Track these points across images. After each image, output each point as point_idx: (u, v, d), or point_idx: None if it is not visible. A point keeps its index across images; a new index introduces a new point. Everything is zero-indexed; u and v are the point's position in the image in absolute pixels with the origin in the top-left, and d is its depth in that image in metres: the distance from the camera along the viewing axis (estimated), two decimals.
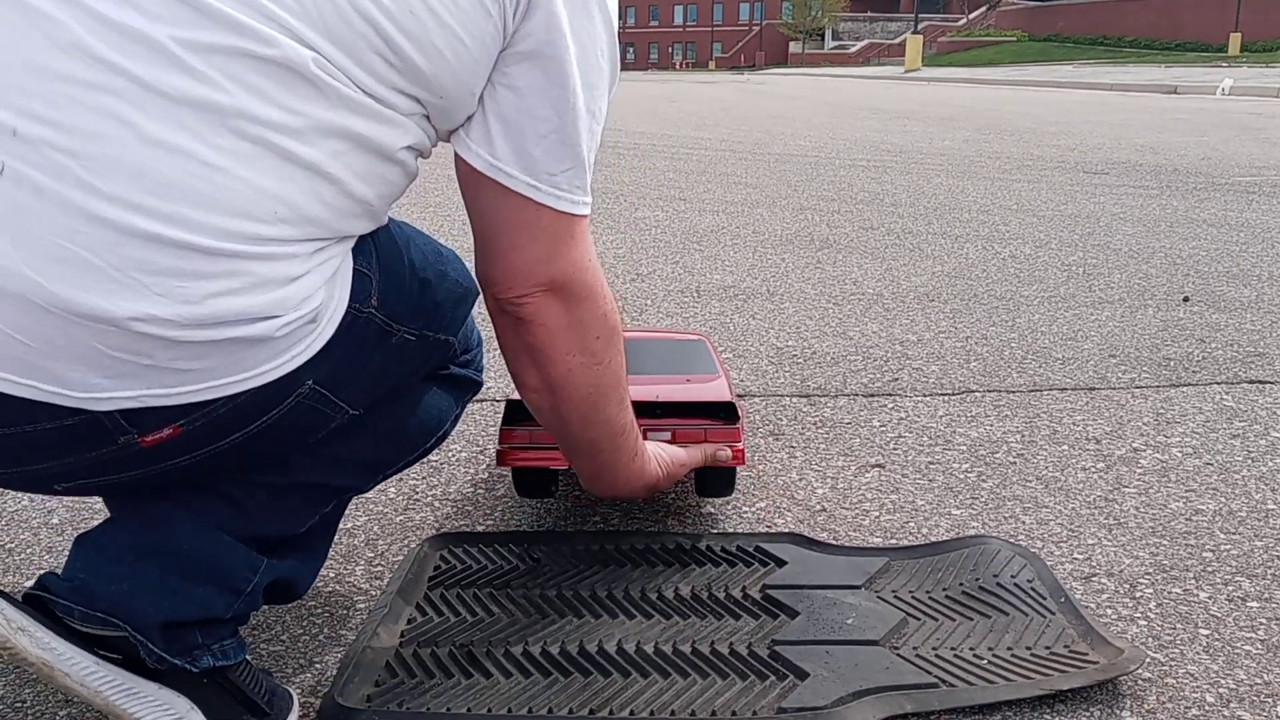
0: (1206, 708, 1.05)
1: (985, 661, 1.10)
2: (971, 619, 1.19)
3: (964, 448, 1.76)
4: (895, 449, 1.76)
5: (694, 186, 5.27)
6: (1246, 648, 1.16)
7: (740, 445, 1.38)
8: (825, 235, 3.87)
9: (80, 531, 0.95)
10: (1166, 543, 1.42)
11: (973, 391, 2.07)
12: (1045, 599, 1.23)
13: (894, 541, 1.42)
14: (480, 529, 1.45)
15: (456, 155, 0.95)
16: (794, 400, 2.01)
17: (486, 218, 0.97)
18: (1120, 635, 1.18)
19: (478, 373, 1.16)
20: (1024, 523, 1.48)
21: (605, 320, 1.04)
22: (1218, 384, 2.12)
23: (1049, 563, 1.35)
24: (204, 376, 0.81)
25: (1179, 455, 1.74)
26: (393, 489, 1.57)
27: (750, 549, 1.34)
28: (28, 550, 1.37)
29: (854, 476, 1.64)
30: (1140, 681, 1.10)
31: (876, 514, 1.51)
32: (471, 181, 0.95)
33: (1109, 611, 1.24)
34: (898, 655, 1.11)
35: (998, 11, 65.07)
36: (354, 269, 0.89)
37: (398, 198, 0.92)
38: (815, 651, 1.11)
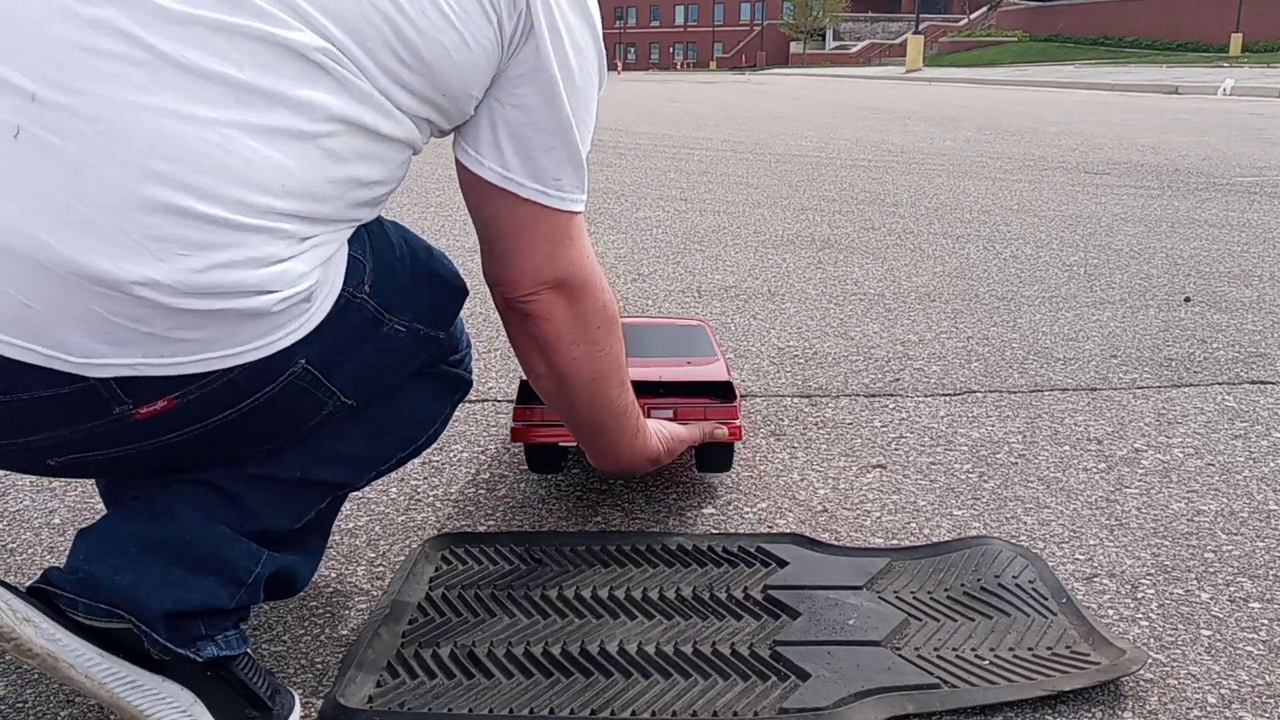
0: (1208, 709, 1.05)
1: (987, 662, 1.10)
2: (973, 620, 1.19)
3: (965, 448, 1.76)
4: (897, 449, 1.76)
5: (695, 187, 5.27)
6: (1248, 649, 1.16)
7: (737, 422, 1.48)
8: (826, 235, 3.87)
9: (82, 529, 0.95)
10: (1168, 543, 1.42)
11: (974, 392, 2.07)
12: (1047, 600, 1.23)
13: (895, 542, 1.41)
14: (481, 529, 1.45)
15: (465, 169, 1.03)
16: (795, 400, 2.01)
17: (494, 224, 1.05)
18: (1122, 636, 1.18)
19: (468, 372, 1.20)
20: (1025, 523, 1.48)
21: (605, 310, 1.13)
22: (1219, 384, 2.12)
23: (1050, 563, 1.35)
24: (200, 347, 0.82)
25: (1180, 456, 1.73)
26: (394, 489, 1.57)
27: (752, 549, 1.34)
28: (29, 550, 1.37)
29: (855, 477, 1.64)
30: (1142, 682, 1.10)
31: (878, 514, 1.51)
32: (481, 192, 1.03)
33: (1110, 612, 1.24)
34: (899, 656, 1.11)
35: (999, 12, 65.06)
36: (349, 255, 0.93)
37: (392, 191, 0.96)
38: (817, 652, 1.11)
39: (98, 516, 0.98)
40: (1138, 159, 6.64)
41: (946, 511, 1.52)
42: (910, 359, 2.29)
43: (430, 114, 0.94)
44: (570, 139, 1.02)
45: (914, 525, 1.47)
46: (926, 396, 2.04)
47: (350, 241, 0.93)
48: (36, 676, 1.10)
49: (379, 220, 1.00)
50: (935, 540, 1.41)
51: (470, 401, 1.97)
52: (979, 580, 1.27)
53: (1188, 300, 2.86)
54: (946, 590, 1.25)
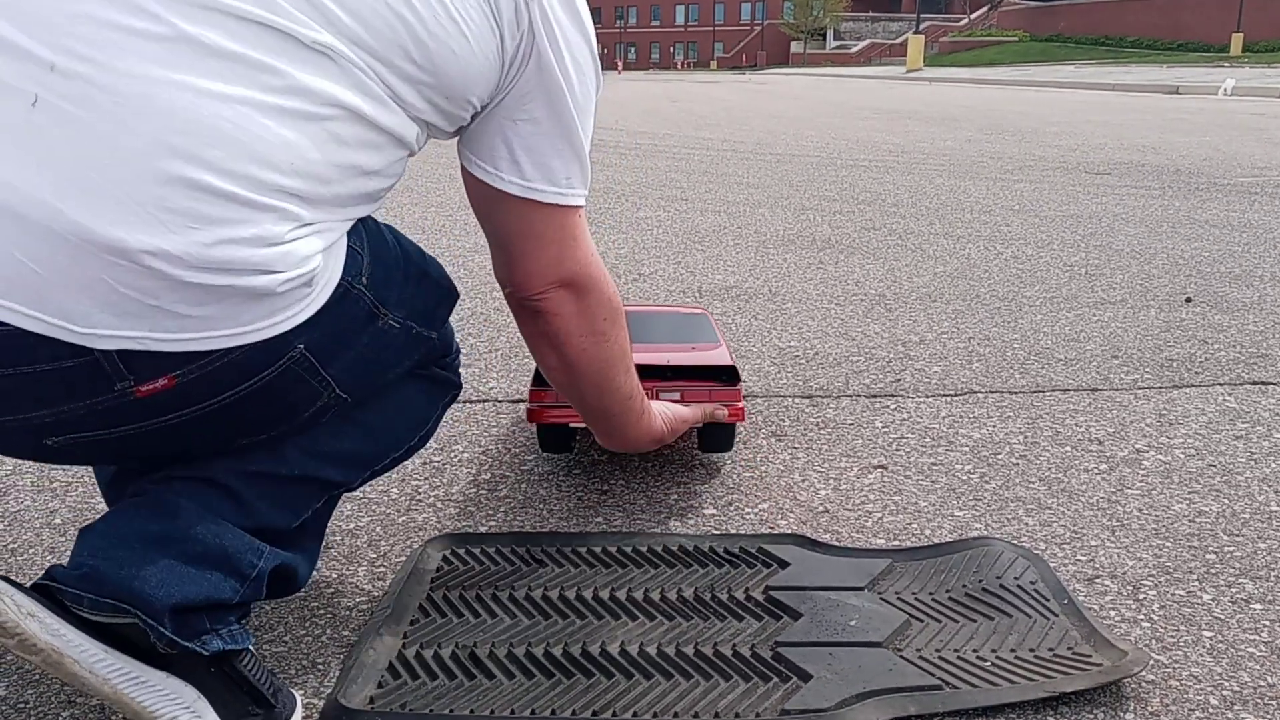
0: (1210, 710, 1.05)
1: (988, 663, 1.10)
2: (975, 621, 1.19)
3: (966, 449, 1.76)
4: (898, 450, 1.76)
5: (696, 186, 5.27)
6: (1250, 650, 1.16)
7: (740, 405, 1.56)
8: (827, 235, 3.87)
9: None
10: (1170, 544, 1.41)
11: (975, 392, 2.07)
12: (1048, 601, 1.22)
13: (897, 543, 1.41)
14: (483, 530, 1.45)
15: (482, 184, 1.09)
16: (796, 401, 2.01)
17: (507, 229, 1.12)
18: (1123, 637, 1.18)
19: (457, 376, 1.24)
20: (1027, 524, 1.48)
21: (609, 303, 1.20)
22: (1220, 385, 2.12)
23: (1052, 564, 1.34)
24: (203, 325, 0.84)
25: (1182, 457, 1.73)
26: (395, 489, 1.57)
27: (753, 550, 1.34)
28: (30, 550, 1.37)
29: (856, 477, 1.64)
30: (1144, 684, 1.09)
31: (879, 515, 1.50)
32: (497, 202, 1.10)
33: (1112, 613, 1.24)
34: (901, 657, 1.11)
35: (999, 11, 65.03)
36: (348, 246, 0.95)
37: (388, 189, 0.99)
38: (818, 653, 1.11)
39: (98, 516, 0.98)
40: (1139, 159, 6.64)
41: (948, 512, 1.51)
42: (911, 359, 2.29)
43: (430, 115, 0.98)
44: (576, 141, 1.09)
45: (915, 526, 1.47)
46: (928, 397, 2.04)
47: (349, 234, 0.96)
48: (38, 677, 1.10)
49: (374, 220, 1.03)
50: (937, 541, 1.41)
51: (471, 401, 1.97)
52: (980, 581, 1.27)
53: (1189, 301, 2.86)
54: (948, 591, 1.25)
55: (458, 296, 1.16)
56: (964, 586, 1.26)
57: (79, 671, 0.85)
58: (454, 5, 0.94)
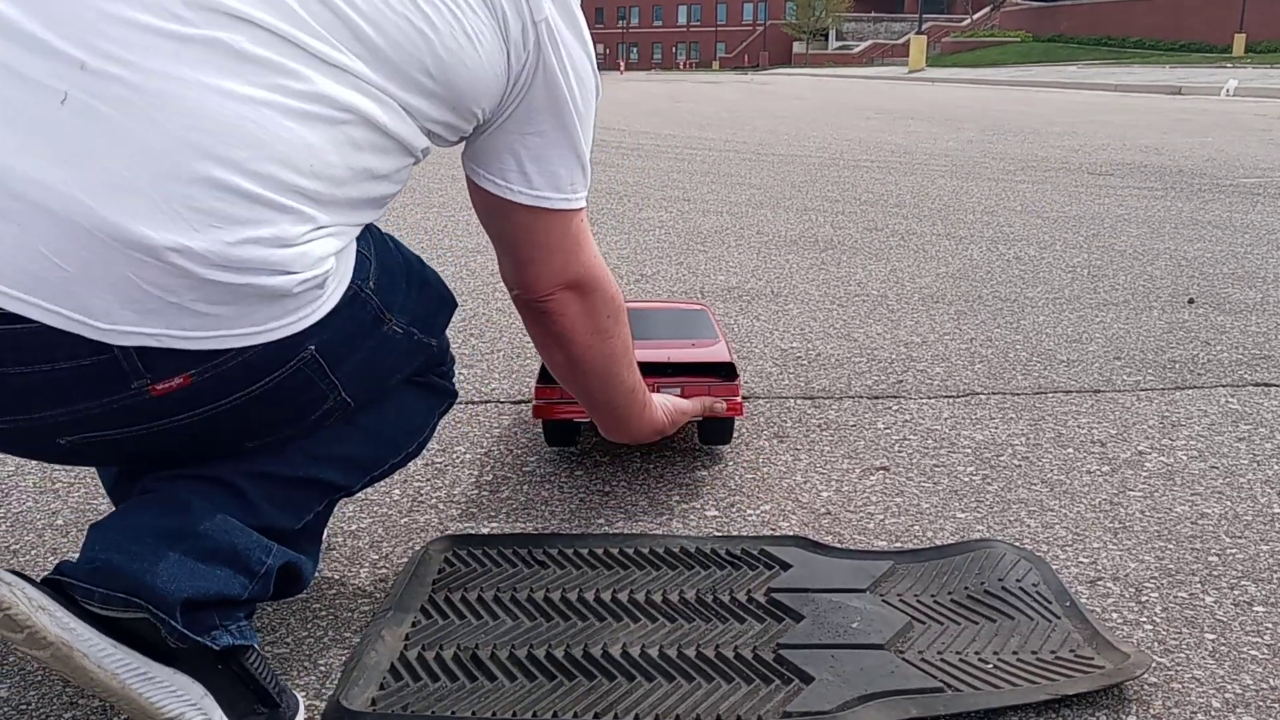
0: (1212, 713, 1.05)
1: (991, 666, 1.10)
2: (977, 623, 1.19)
3: (969, 450, 1.76)
4: (900, 451, 1.76)
5: (698, 187, 5.27)
6: (1252, 652, 1.16)
7: (738, 399, 1.61)
8: (829, 236, 3.87)
9: (85, 532, 0.95)
10: (1172, 546, 1.41)
11: (977, 394, 2.07)
12: (1050, 603, 1.22)
13: (899, 545, 1.41)
14: (485, 531, 1.45)
15: (490, 195, 1.13)
16: (798, 402, 2.01)
17: (513, 236, 1.16)
18: (1126, 640, 1.18)
19: (453, 385, 1.26)
20: (1029, 526, 1.47)
21: (613, 302, 1.25)
22: (1223, 386, 2.12)
23: (1054, 566, 1.34)
24: (220, 324, 0.86)
25: (1184, 458, 1.73)
26: (397, 491, 1.57)
27: (755, 552, 1.34)
28: (32, 552, 1.37)
29: (858, 479, 1.64)
30: (1146, 686, 1.09)
31: (881, 517, 1.50)
32: (506, 212, 1.13)
33: (1114, 616, 1.24)
34: (903, 659, 1.11)
35: (1002, 12, 64.99)
36: (357, 250, 0.98)
37: (393, 196, 1.01)
38: (820, 655, 1.11)
39: (100, 517, 0.98)
40: (1141, 160, 6.63)
41: (950, 514, 1.51)
42: (913, 361, 2.29)
43: (438, 126, 1.01)
44: (579, 148, 1.13)
45: (917, 528, 1.47)
46: (930, 398, 2.04)
47: (357, 239, 0.98)
48: (40, 678, 1.10)
49: (377, 228, 1.05)
50: (939, 543, 1.41)
51: (473, 403, 1.97)
52: (982, 583, 1.27)
53: (1191, 302, 2.85)
54: (950, 593, 1.25)
55: (455, 305, 1.19)
56: (966, 589, 1.26)
57: (87, 666, 0.85)
58: (468, 24, 0.97)
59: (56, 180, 0.79)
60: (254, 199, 0.84)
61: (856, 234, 3.92)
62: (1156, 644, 1.18)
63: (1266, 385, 2.13)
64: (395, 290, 1.04)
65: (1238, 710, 1.06)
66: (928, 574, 1.30)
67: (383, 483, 1.56)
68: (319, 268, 0.89)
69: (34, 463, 1.60)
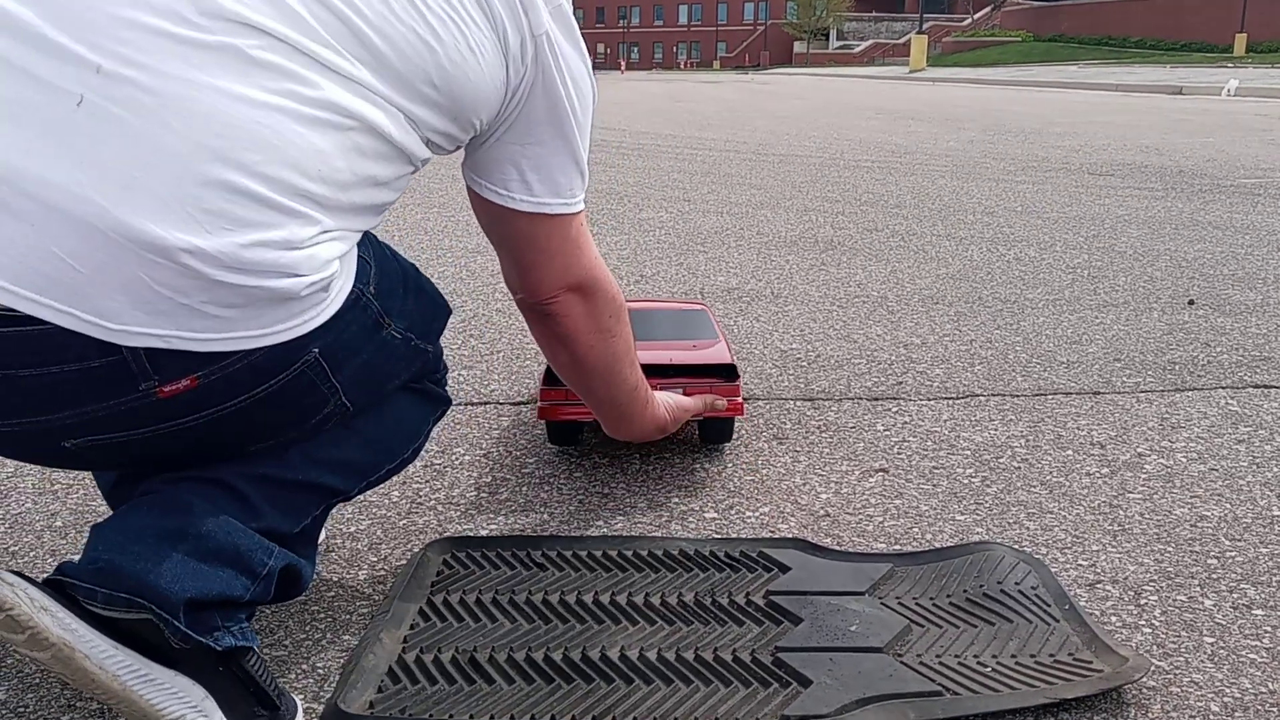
0: (1211, 717, 1.05)
1: (989, 669, 1.10)
2: (976, 626, 1.18)
3: (968, 452, 1.76)
4: (899, 453, 1.75)
5: (698, 187, 5.27)
6: (1251, 656, 1.16)
7: (739, 399, 1.64)
8: (829, 237, 3.87)
9: (83, 534, 0.95)
10: (1171, 549, 1.41)
11: (977, 395, 2.06)
12: (1049, 606, 1.22)
13: (898, 547, 1.41)
14: (484, 533, 1.45)
15: (491, 204, 1.15)
16: (798, 404, 2.01)
17: (516, 241, 1.19)
18: (1125, 643, 1.18)
19: (446, 391, 1.27)
20: (1028, 528, 1.47)
21: (614, 302, 1.28)
22: (1223, 388, 2.12)
23: (1053, 569, 1.34)
24: (228, 326, 0.87)
25: (1184, 460, 1.73)
26: (395, 492, 1.57)
27: (754, 554, 1.34)
28: (31, 553, 1.37)
29: (858, 481, 1.64)
30: (1145, 690, 1.09)
31: (880, 519, 1.50)
32: (508, 219, 1.16)
33: (1113, 619, 1.24)
34: (901, 663, 1.11)
35: (1002, 11, 64.96)
36: (358, 255, 0.99)
37: (394, 202, 1.02)
38: (818, 658, 1.11)
39: (100, 519, 0.98)
40: (1141, 160, 6.63)
41: (949, 516, 1.51)
42: (913, 362, 2.29)
43: (438, 136, 1.03)
44: (578, 154, 1.16)
45: (916, 530, 1.47)
46: (929, 400, 2.03)
47: (357, 245, 0.99)
48: (38, 680, 1.10)
49: (374, 235, 1.06)
50: (938, 545, 1.41)
51: (473, 404, 1.97)
52: (981, 586, 1.27)
53: (1191, 303, 2.85)
54: (949, 596, 1.25)
55: (450, 312, 1.21)
56: (965, 591, 1.26)
57: (89, 667, 0.85)
58: (471, 38, 0.99)
59: (71, 181, 0.80)
60: (264, 202, 0.85)
61: (857, 235, 3.92)
62: (1155, 647, 1.17)
63: (1266, 387, 2.13)
64: (394, 296, 1.05)
65: (1236, 714, 1.05)
66: (926, 576, 1.30)
67: (381, 484, 1.57)
68: (325, 270, 0.91)
69: (33, 465, 1.59)
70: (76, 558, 0.92)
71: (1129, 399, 2.05)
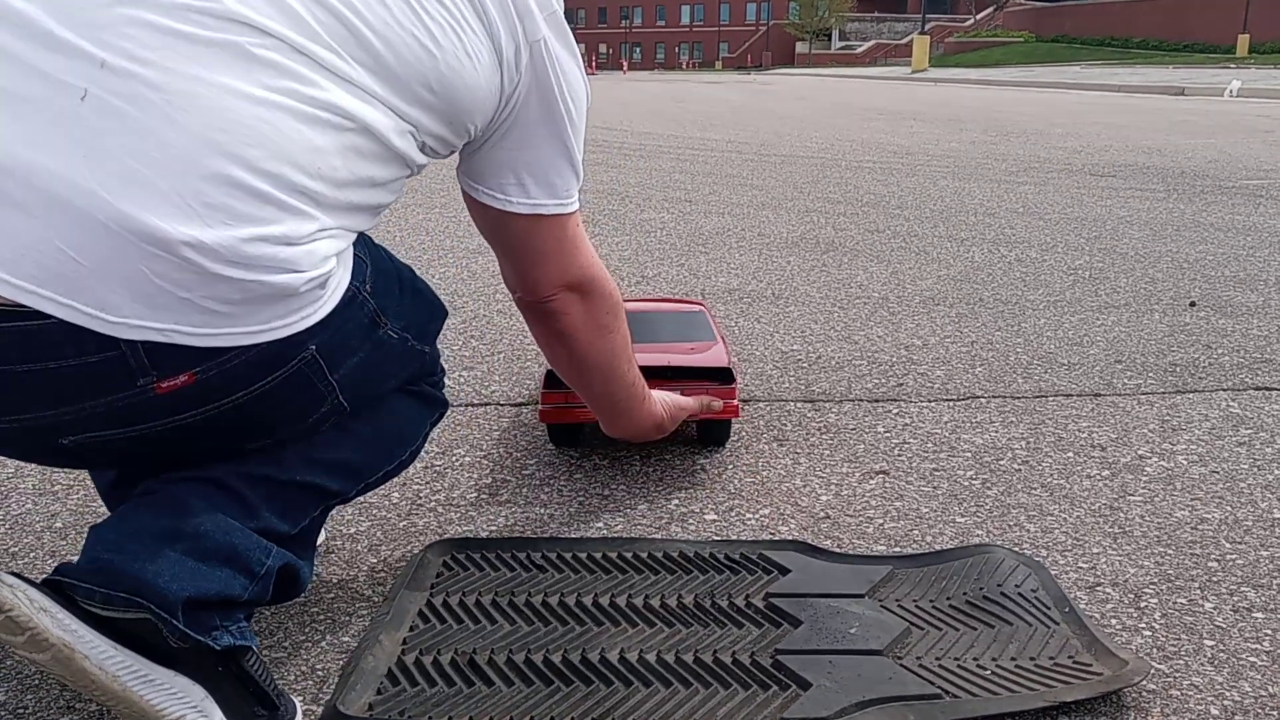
0: None
1: (989, 672, 1.10)
2: (975, 629, 1.18)
3: (969, 454, 1.76)
4: (900, 455, 1.75)
5: (700, 188, 5.27)
6: (1252, 659, 1.15)
7: (735, 402, 1.66)
8: (831, 238, 3.86)
9: (83, 535, 0.95)
10: (1172, 552, 1.41)
11: (978, 397, 2.06)
12: (1049, 609, 1.22)
13: (898, 549, 1.41)
14: (483, 535, 1.45)
15: (488, 208, 1.18)
16: (798, 405, 2.00)
17: (514, 242, 1.21)
18: (1125, 646, 1.18)
19: (443, 394, 1.28)
20: (1028, 531, 1.47)
21: (611, 299, 1.31)
22: (1224, 390, 2.12)
23: (1053, 572, 1.34)
24: (227, 321, 0.87)
25: (1184, 463, 1.73)
26: (395, 494, 1.57)
27: (753, 556, 1.34)
28: (31, 554, 1.37)
29: (858, 483, 1.64)
30: (1145, 693, 1.09)
31: (880, 521, 1.50)
32: (505, 222, 1.18)
33: (1113, 622, 1.23)
34: (901, 665, 1.11)
35: (1005, 12, 64.93)
36: (354, 254, 1.00)
37: (389, 205, 1.04)
38: (818, 661, 1.11)
39: (99, 519, 0.98)
40: (1143, 161, 6.63)
41: (949, 518, 1.51)
42: (914, 363, 2.28)
43: (434, 140, 1.04)
44: (573, 156, 1.18)
45: (916, 532, 1.46)
46: (930, 402, 2.03)
47: (354, 244, 1.00)
48: (37, 681, 1.10)
49: (370, 237, 1.07)
50: (938, 548, 1.41)
51: (473, 405, 1.97)
52: (981, 589, 1.27)
53: (1193, 305, 2.85)
54: (949, 599, 1.25)
55: (447, 314, 1.22)
56: (965, 594, 1.26)
57: (88, 668, 0.85)
58: (469, 44, 1.01)
59: (76, 175, 0.81)
60: (264, 197, 0.86)
61: (858, 235, 3.92)
62: (1155, 650, 1.17)
63: (1268, 389, 2.13)
64: (390, 295, 1.06)
65: (1236, 718, 1.05)
66: (926, 579, 1.30)
67: (381, 485, 1.57)
68: (323, 267, 0.92)
69: (33, 465, 1.59)
70: (76, 559, 0.92)
71: (1130, 401, 2.04)
